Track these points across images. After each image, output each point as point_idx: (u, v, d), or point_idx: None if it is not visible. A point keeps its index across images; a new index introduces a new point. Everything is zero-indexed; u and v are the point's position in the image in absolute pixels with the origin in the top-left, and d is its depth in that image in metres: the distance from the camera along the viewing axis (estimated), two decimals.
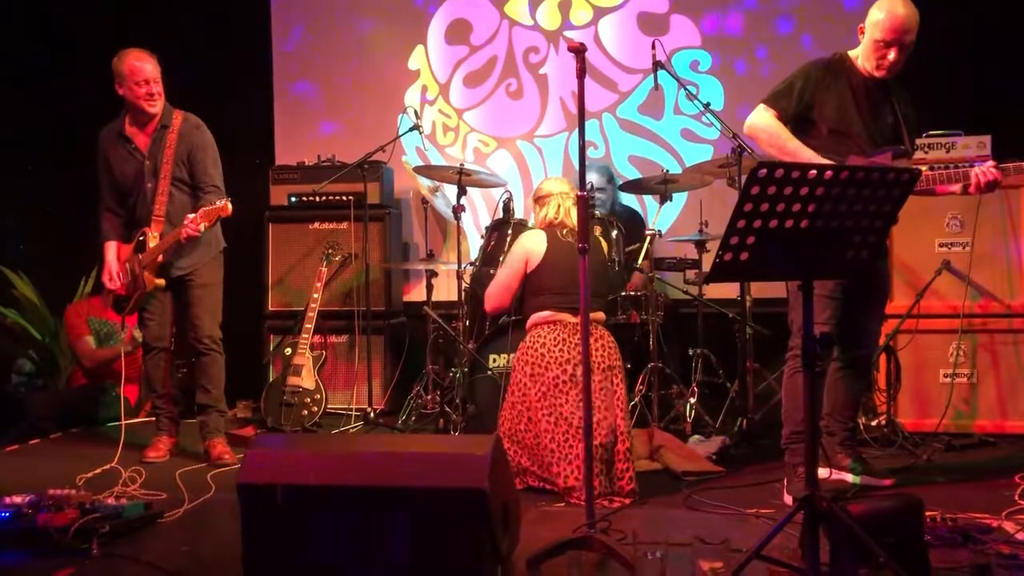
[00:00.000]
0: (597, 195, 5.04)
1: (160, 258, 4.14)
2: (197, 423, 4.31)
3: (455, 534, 2.40)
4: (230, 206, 4.01)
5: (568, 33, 5.77)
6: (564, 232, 3.77)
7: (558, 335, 3.61)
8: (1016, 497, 3.25)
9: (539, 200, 3.90)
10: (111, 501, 3.19)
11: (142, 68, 4.10)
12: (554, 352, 3.58)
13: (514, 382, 3.68)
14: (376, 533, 2.43)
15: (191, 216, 3.99)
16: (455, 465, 2.42)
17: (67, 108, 5.97)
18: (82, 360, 5.32)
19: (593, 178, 5.16)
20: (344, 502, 2.44)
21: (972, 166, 3.37)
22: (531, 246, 3.79)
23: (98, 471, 3.85)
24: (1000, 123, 4.51)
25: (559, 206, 3.82)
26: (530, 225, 4.26)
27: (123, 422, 4.24)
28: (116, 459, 3.93)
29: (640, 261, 4.67)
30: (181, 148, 4.17)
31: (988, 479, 3.60)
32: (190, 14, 5.98)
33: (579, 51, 2.76)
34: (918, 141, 4.19)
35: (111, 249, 4.29)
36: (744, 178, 3.38)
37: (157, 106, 4.16)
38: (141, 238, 4.16)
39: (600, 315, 3.79)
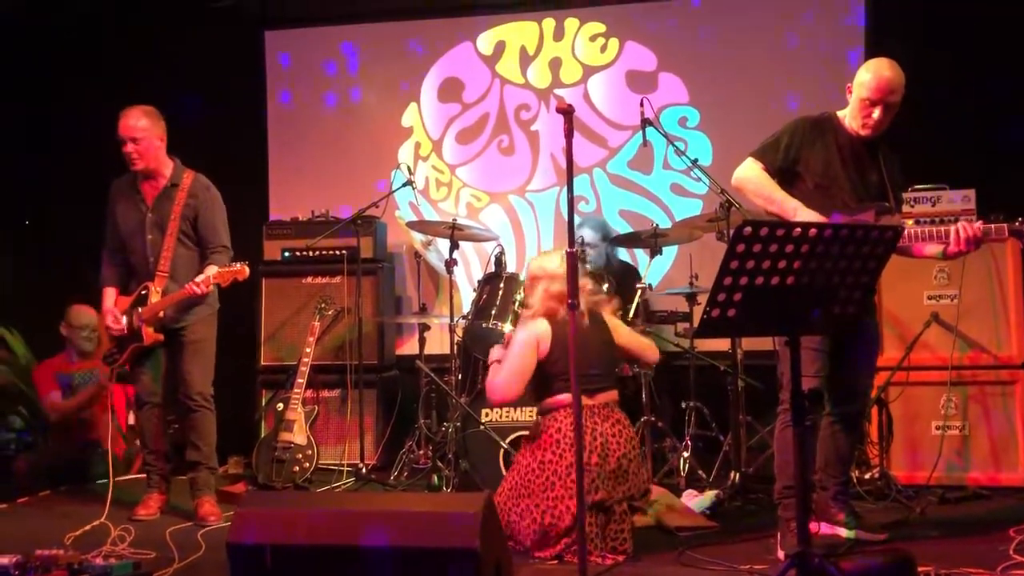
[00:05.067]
0: (588, 251, 5.09)
1: (162, 314, 4.15)
2: (187, 480, 4.28)
3: None
4: (247, 270, 4.07)
5: (558, 91, 5.87)
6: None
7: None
8: (1011, 551, 3.23)
9: (536, 279, 3.70)
10: (99, 561, 3.16)
11: (122, 128, 4.15)
12: (571, 437, 3.39)
13: (520, 465, 3.55)
14: None
15: (203, 276, 4.02)
16: (446, 524, 2.42)
17: (64, 166, 6.04)
18: (49, 415, 5.28)
19: (587, 235, 5.20)
20: (334, 562, 2.43)
21: (956, 220, 3.41)
22: (540, 331, 3.58)
23: (87, 528, 3.82)
24: (985, 177, 4.58)
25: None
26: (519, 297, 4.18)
27: (111, 480, 4.19)
28: (104, 516, 3.89)
29: (631, 315, 4.69)
30: (189, 206, 4.21)
31: (982, 533, 3.59)
32: (185, 69, 6.05)
33: (567, 112, 2.81)
34: (904, 195, 4.25)
35: (110, 295, 4.30)
36: (731, 234, 3.43)
37: (139, 166, 4.18)
38: (143, 292, 4.17)
39: (614, 394, 3.63)
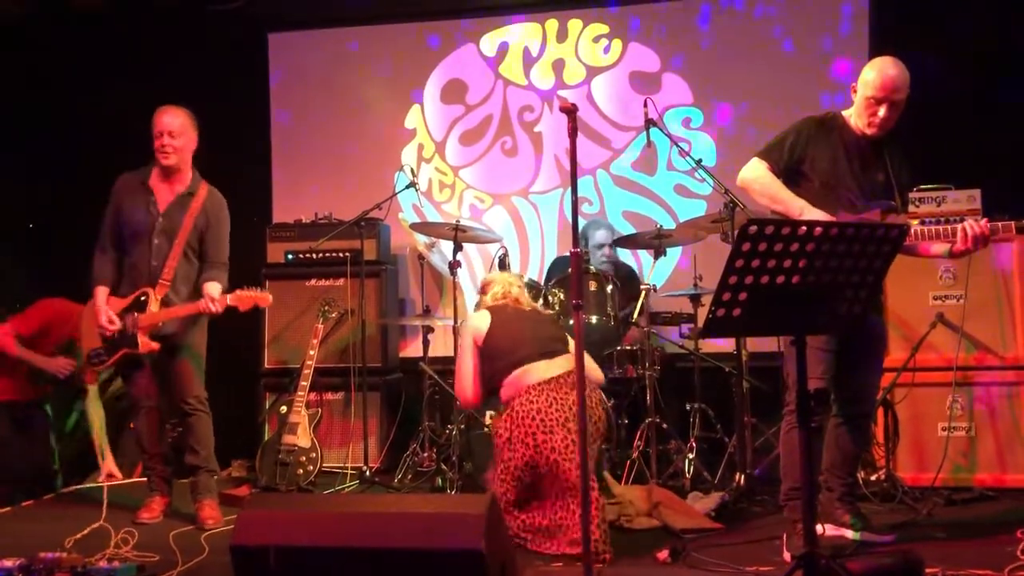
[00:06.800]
0: (606, 251, 5.10)
1: (160, 324, 4.10)
2: (188, 484, 4.26)
3: None
4: (270, 297, 4.14)
5: (562, 92, 5.82)
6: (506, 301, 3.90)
7: (549, 395, 3.52)
8: (1018, 553, 3.21)
9: (483, 288, 4.06)
10: (103, 564, 3.15)
11: (160, 120, 4.16)
12: (551, 413, 3.48)
13: (510, 464, 3.53)
14: None
15: (221, 296, 4.01)
16: (451, 526, 2.40)
17: (63, 168, 6.04)
18: None
19: (601, 235, 5.25)
20: (339, 564, 2.42)
21: (962, 220, 3.40)
22: (473, 323, 3.86)
23: (86, 531, 3.81)
24: (989, 177, 4.55)
25: (504, 290, 3.94)
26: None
27: (108, 483, 4.19)
28: (102, 518, 3.89)
29: (635, 316, 4.68)
30: (201, 219, 4.18)
31: (989, 534, 3.57)
32: (189, 71, 6.05)
33: (571, 111, 2.80)
34: (909, 195, 4.23)
35: (102, 293, 4.17)
36: (736, 233, 3.42)
37: (171, 160, 4.15)
38: (142, 298, 4.10)
39: (571, 358, 3.62)
